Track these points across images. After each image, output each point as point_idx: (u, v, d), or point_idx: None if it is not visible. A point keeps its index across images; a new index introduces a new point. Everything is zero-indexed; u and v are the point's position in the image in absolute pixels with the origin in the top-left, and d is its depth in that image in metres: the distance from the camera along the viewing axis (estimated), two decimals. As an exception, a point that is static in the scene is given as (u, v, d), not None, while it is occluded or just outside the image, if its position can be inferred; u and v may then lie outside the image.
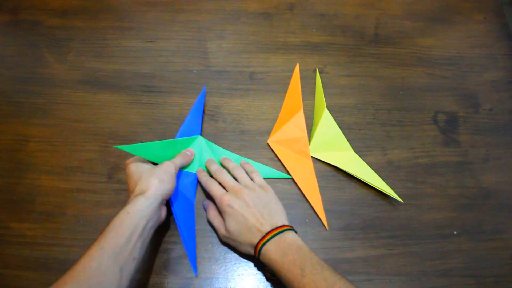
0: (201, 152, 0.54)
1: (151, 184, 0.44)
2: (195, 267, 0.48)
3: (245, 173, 0.51)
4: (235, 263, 0.49)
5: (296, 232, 0.45)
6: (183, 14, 0.66)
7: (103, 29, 0.64)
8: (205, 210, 0.51)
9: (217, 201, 0.47)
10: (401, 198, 0.52)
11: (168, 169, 0.46)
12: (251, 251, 0.45)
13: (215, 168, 0.51)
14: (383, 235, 0.51)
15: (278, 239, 0.43)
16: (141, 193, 0.43)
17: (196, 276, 0.48)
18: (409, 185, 0.54)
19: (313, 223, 0.52)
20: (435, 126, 0.59)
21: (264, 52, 0.63)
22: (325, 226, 0.51)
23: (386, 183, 0.53)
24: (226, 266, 0.49)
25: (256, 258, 0.45)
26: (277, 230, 0.44)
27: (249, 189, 0.47)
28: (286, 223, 0.46)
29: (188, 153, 0.52)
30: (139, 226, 0.41)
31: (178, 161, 0.49)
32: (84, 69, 0.61)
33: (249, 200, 0.46)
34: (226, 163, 0.52)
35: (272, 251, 0.42)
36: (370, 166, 0.54)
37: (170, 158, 0.51)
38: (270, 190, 0.49)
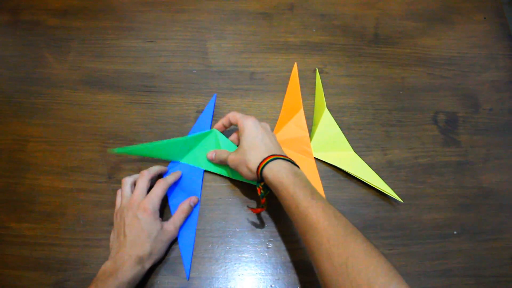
0: (214, 146, 0.53)
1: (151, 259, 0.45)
2: (188, 271, 0.48)
3: None
4: (235, 263, 0.49)
5: None
6: (183, 14, 0.66)
7: (103, 29, 0.64)
8: (210, 159, 0.52)
9: (241, 118, 0.49)
10: (401, 198, 0.52)
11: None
12: (255, 167, 0.44)
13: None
14: (383, 235, 0.51)
15: (290, 164, 0.43)
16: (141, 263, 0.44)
17: (188, 280, 0.47)
18: (409, 185, 0.54)
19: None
20: (435, 126, 0.59)
21: (264, 52, 0.63)
22: None
23: (386, 183, 0.53)
24: (226, 266, 0.49)
25: (259, 173, 0.44)
26: (290, 159, 0.45)
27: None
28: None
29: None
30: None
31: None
32: (84, 69, 0.61)
33: (270, 132, 0.49)
34: None
35: (283, 168, 0.42)
36: (370, 166, 0.54)
37: (182, 155, 0.53)
38: None
